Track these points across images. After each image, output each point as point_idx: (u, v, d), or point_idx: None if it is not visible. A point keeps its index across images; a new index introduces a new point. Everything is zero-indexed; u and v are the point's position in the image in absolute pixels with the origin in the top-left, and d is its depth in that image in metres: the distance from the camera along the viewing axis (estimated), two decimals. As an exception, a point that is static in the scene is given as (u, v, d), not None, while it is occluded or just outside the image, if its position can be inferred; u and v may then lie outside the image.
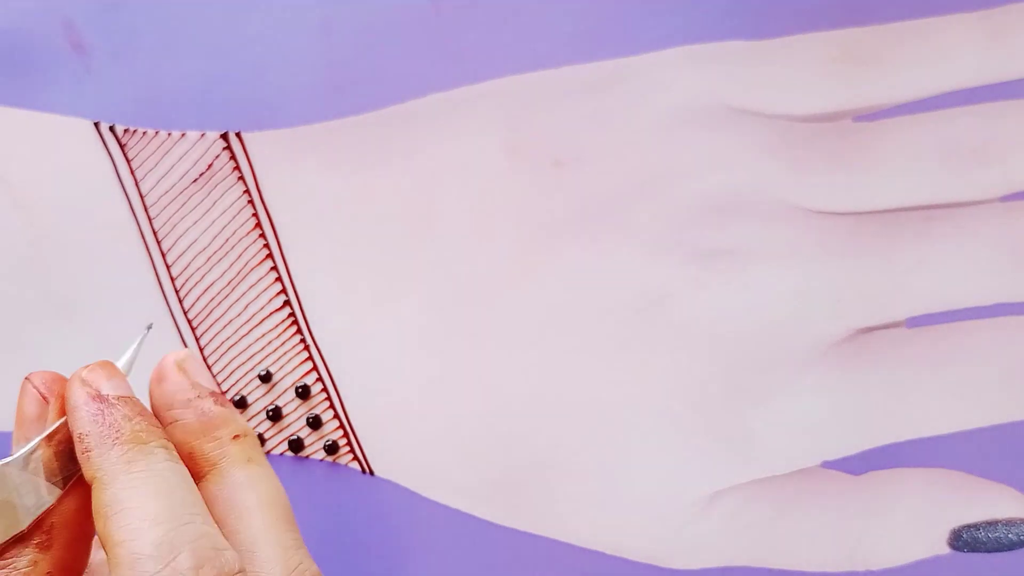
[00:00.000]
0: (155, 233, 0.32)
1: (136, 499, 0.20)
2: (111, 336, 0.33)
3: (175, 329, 0.32)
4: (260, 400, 0.32)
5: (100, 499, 0.20)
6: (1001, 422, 0.30)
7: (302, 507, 0.32)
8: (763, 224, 0.30)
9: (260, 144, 0.31)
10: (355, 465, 0.32)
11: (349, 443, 0.32)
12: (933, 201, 0.30)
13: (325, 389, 0.32)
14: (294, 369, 0.32)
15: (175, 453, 0.22)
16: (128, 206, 0.32)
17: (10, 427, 0.34)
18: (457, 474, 0.31)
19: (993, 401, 0.30)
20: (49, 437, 0.22)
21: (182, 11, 0.30)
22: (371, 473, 0.32)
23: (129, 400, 0.22)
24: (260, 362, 0.32)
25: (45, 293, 0.32)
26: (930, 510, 0.30)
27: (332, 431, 0.32)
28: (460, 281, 0.31)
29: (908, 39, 0.29)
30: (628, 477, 0.31)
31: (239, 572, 0.20)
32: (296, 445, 0.32)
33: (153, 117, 0.31)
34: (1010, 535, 0.30)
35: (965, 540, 0.30)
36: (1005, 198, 0.29)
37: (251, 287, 0.32)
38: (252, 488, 0.22)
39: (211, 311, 0.32)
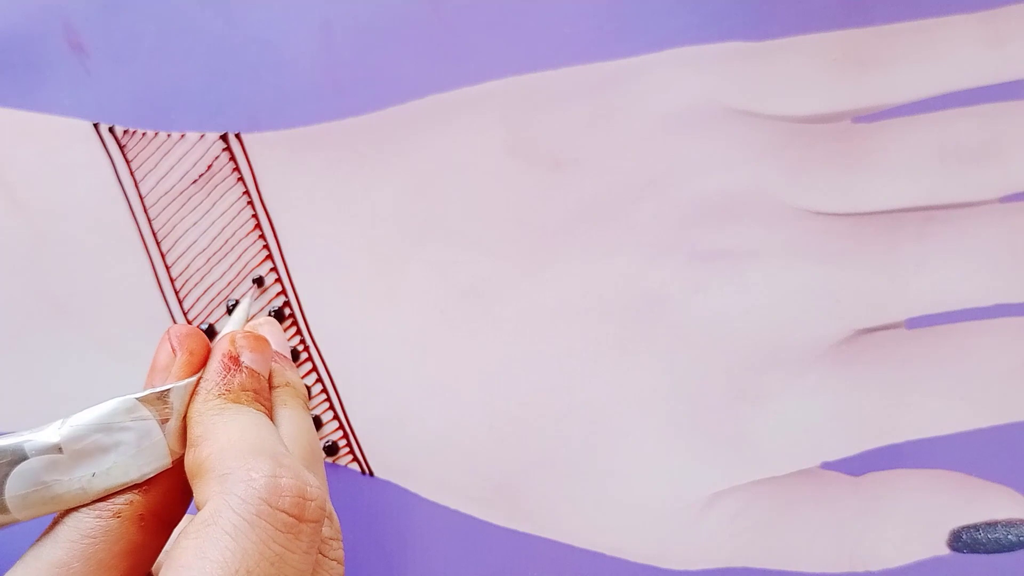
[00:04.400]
0: (155, 234, 0.32)
1: (225, 428, 0.22)
2: (111, 336, 0.33)
3: (175, 330, 0.32)
4: (260, 401, 0.32)
5: (192, 432, 0.23)
6: (1001, 422, 0.30)
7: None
8: (763, 225, 0.30)
9: (259, 145, 0.31)
10: (355, 466, 0.32)
11: (349, 444, 0.32)
12: (932, 202, 0.30)
13: (325, 390, 0.32)
14: (294, 370, 0.32)
15: (264, 413, 0.24)
16: (128, 207, 0.32)
17: (12, 427, 0.34)
18: (456, 475, 0.31)
19: (993, 401, 0.30)
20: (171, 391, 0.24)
21: (181, 12, 0.30)
22: (371, 474, 0.32)
23: (255, 373, 0.25)
24: (260, 363, 0.32)
25: (45, 293, 0.32)
26: (930, 511, 0.30)
27: (332, 432, 0.32)
28: (459, 282, 0.31)
29: (908, 40, 0.29)
30: (628, 478, 0.31)
31: (313, 488, 0.21)
32: (296, 446, 0.32)
33: (152, 118, 0.31)
34: (1009, 536, 0.30)
35: (965, 541, 0.30)
36: (1005, 199, 0.29)
37: (251, 288, 0.32)
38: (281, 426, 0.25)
39: (211, 311, 0.32)
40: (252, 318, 0.31)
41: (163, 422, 0.23)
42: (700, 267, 0.30)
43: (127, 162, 0.31)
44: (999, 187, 0.29)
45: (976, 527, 0.30)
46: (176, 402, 0.23)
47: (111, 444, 0.22)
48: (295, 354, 0.32)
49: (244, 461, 0.21)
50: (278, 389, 0.25)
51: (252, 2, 0.30)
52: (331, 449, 0.32)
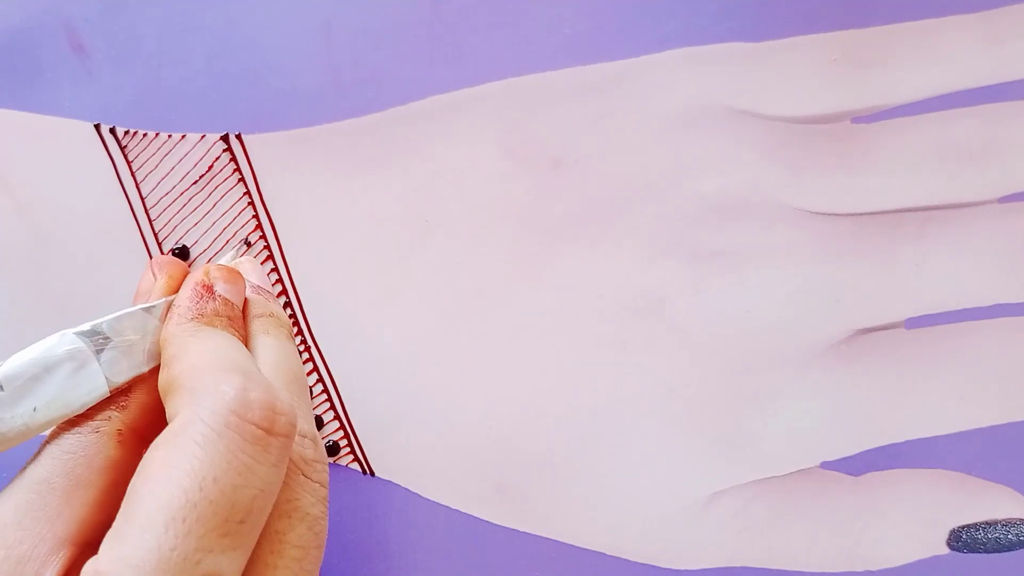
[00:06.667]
0: (156, 235, 0.32)
1: (198, 348, 0.23)
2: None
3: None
4: (261, 401, 0.32)
5: (166, 352, 0.23)
6: (1001, 422, 0.30)
7: (303, 508, 0.32)
8: (762, 226, 0.30)
9: (260, 146, 0.31)
10: (355, 466, 0.32)
11: (349, 444, 0.32)
12: (932, 202, 0.30)
13: (326, 390, 0.32)
14: (294, 370, 0.32)
15: (238, 339, 0.25)
16: (129, 208, 0.32)
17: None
18: (457, 475, 0.31)
19: (993, 401, 0.30)
20: (148, 310, 0.25)
21: (182, 13, 0.30)
22: (371, 474, 0.32)
23: (229, 303, 0.25)
24: (260, 363, 0.32)
25: (45, 293, 0.33)
26: (929, 510, 0.30)
27: (332, 432, 0.32)
28: (460, 283, 0.31)
29: (907, 41, 0.29)
30: (628, 478, 0.31)
31: (283, 403, 0.22)
32: (297, 446, 0.32)
33: (153, 119, 0.31)
34: (1009, 535, 0.30)
35: (964, 540, 0.30)
36: (1004, 199, 0.29)
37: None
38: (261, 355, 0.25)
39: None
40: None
41: (97, 352, 0.23)
42: (700, 267, 0.30)
43: (128, 163, 0.31)
44: (999, 187, 0.29)
45: (976, 527, 0.30)
46: (137, 324, 0.24)
47: (48, 378, 0.23)
48: (296, 354, 0.32)
49: (215, 376, 0.21)
50: (262, 319, 0.26)
51: (252, 2, 0.30)
52: (331, 449, 0.32)
